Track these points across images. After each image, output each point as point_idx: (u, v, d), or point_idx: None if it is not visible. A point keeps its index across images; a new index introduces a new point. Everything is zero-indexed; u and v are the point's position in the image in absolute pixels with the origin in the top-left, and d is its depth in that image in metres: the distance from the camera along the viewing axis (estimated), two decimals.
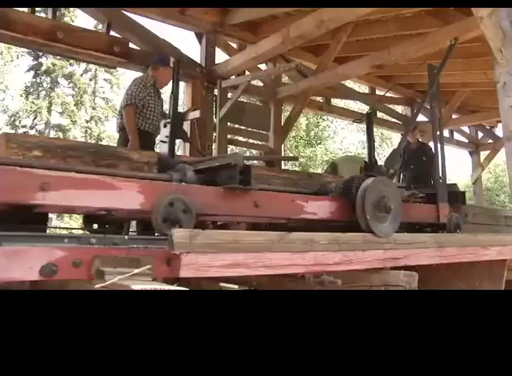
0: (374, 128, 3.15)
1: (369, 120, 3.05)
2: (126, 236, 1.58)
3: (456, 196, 3.21)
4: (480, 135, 10.62)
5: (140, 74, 5.38)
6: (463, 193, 3.36)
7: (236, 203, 1.99)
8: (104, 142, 24.06)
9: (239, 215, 2.10)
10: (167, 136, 2.37)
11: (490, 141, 10.40)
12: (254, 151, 7.51)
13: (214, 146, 5.82)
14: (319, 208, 2.32)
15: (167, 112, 2.64)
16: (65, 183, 1.60)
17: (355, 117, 9.20)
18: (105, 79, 25.08)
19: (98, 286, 1.28)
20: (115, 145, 4.16)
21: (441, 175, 3.02)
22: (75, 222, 21.25)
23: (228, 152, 6.60)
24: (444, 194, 2.95)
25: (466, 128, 10.43)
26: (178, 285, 1.61)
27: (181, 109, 4.95)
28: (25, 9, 4.89)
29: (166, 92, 4.54)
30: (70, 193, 1.61)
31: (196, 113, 4.45)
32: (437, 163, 3.04)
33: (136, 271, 1.35)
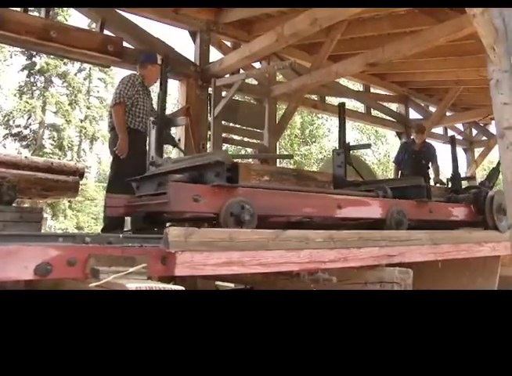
0: (368, 126, 3.70)
1: (341, 111, 3.72)
2: (121, 235, 1.58)
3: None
4: (474, 132, 10.66)
5: (129, 72, 5.38)
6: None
7: (421, 210, 3.07)
8: (99, 142, 24.05)
9: (421, 218, 3.08)
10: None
11: (484, 138, 10.44)
12: (249, 149, 7.50)
13: (208, 145, 5.81)
14: (460, 213, 3.41)
15: (157, 117, 2.68)
16: (348, 202, 2.67)
17: (350, 115, 9.26)
18: (99, 78, 24.99)
19: (93, 285, 1.28)
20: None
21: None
22: (70, 222, 21.19)
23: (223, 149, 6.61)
24: None
25: (460, 126, 10.46)
26: (173, 283, 1.61)
27: (175, 107, 4.96)
28: (18, 8, 4.87)
29: (155, 89, 4.54)
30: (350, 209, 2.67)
31: (183, 121, 4.43)
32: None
33: (131, 270, 1.35)
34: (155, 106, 4.27)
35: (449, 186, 4.19)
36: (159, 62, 4.50)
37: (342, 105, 3.87)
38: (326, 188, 3.56)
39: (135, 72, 4.51)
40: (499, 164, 3.91)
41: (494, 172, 4.26)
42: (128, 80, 4.27)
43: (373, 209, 2.82)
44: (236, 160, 2.59)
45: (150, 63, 4.50)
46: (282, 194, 2.47)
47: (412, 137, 7.52)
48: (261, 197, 2.32)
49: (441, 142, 9.28)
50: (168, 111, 4.89)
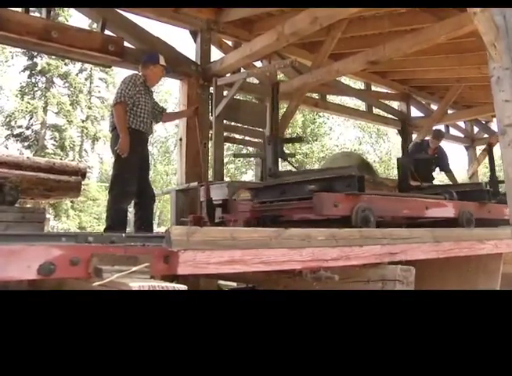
0: (370, 124, 3.96)
1: (275, 92, 3.85)
2: (123, 234, 1.58)
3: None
4: (475, 129, 10.65)
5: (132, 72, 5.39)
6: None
7: (481, 211, 3.50)
8: (100, 142, 24.06)
9: (482, 217, 3.43)
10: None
11: (486, 135, 10.42)
12: (251, 148, 7.50)
13: (210, 144, 5.81)
14: (506, 213, 3.42)
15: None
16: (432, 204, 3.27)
17: (351, 113, 9.25)
18: (100, 78, 25.02)
19: (96, 284, 1.28)
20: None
21: None
22: (73, 222, 21.22)
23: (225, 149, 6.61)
24: None
25: (461, 123, 10.45)
26: (176, 282, 1.62)
27: (176, 107, 4.96)
28: (19, 9, 4.87)
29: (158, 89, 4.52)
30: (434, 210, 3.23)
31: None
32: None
33: (134, 269, 1.35)
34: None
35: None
36: (161, 62, 4.50)
37: (276, 85, 3.97)
38: (395, 192, 4.15)
39: (136, 72, 4.50)
40: None
41: None
42: (129, 80, 4.26)
43: (449, 210, 3.44)
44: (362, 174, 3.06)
45: (152, 64, 4.49)
46: (390, 199, 3.19)
47: (426, 139, 7.42)
48: (377, 202, 2.96)
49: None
50: (169, 111, 4.90)
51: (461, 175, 12.33)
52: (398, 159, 4.31)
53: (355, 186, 2.83)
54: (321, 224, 2.78)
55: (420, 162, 6.89)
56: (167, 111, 5.09)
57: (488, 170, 4.12)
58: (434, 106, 9.59)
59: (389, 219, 3.23)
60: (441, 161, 6.90)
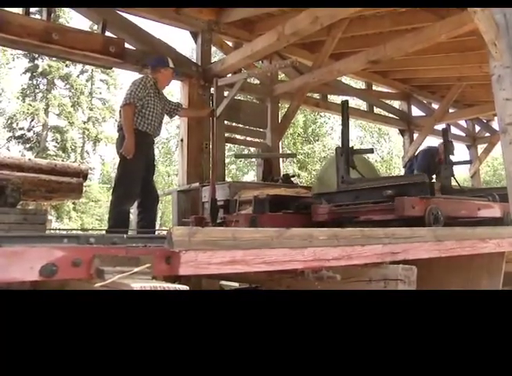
0: (371, 124, 4.12)
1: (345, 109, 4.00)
2: (125, 235, 1.59)
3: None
4: (477, 128, 10.64)
5: (136, 74, 5.39)
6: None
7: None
8: (102, 143, 24.10)
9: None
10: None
11: (487, 134, 10.41)
12: (252, 149, 7.50)
13: (211, 145, 5.81)
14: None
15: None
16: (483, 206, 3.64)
17: (353, 113, 9.24)
18: (101, 80, 25.06)
19: (98, 285, 1.29)
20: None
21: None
22: (75, 224, 21.25)
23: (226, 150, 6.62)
24: None
25: (463, 122, 10.44)
26: (178, 283, 1.62)
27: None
28: (19, 11, 4.88)
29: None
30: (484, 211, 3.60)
31: None
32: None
33: (136, 270, 1.35)
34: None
35: None
36: (170, 65, 4.52)
37: (345, 102, 4.09)
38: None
39: (147, 75, 4.50)
40: None
41: None
42: (139, 82, 4.26)
43: (495, 210, 3.87)
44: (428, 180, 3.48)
45: (163, 67, 4.52)
46: (453, 201, 3.65)
47: (435, 147, 7.32)
48: (444, 204, 3.39)
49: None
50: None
51: (463, 174, 12.33)
52: (442, 167, 4.90)
53: (426, 191, 3.33)
54: (389, 224, 3.19)
55: (432, 169, 6.80)
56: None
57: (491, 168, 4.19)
58: (435, 105, 9.59)
59: (449, 219, 3.53)
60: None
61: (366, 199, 3.59)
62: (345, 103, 4.05)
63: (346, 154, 3.92)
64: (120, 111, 4.30)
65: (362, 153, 4.70)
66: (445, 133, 5.02)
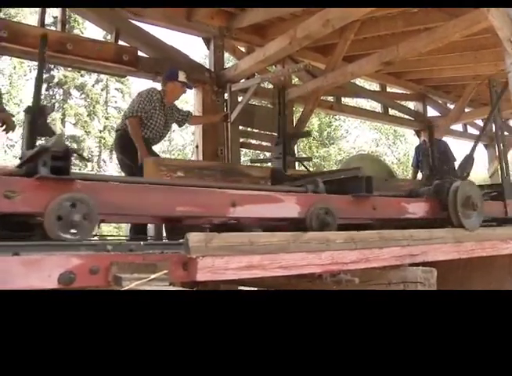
0: (386, 126, 3.90)
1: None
2: (142, 242, 1.59)
3: None
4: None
5: (150, 82, 5.43)
6: None
7: (359, 207, 2.46)
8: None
9: (362, 217, 2.55)
10: (280, 153, 3.46)
11: (506, 133, 10.25)
12: (268, 153, 7.50)
13: (226, 151, 5.82)
14: (418, 209, 2.77)
15: (31, 105, 2.67)
16: (247, 200, 2.07)
17: (367, 115, 9.19)
18: (116, 88, 25.28)
19: None
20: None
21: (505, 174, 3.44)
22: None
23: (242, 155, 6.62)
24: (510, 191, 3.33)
25: (479, 122, 10.30)
26: (196, 289, 1.62)
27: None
28: (35, 23, 4.96)
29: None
30: (250, 208, 2.08)
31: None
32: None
33: (153, 276, 1.35)
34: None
35: None
36: (181, 78, 4.52)
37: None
38: None
39: (154, 87, 4.54)
40: (472, 150, 3.67)
41: (467, 160, 3.67)
42: (146, 94, 4.33)
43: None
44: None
45: (170, 80, 4.54)
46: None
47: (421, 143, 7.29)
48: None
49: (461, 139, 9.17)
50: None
51: (482, 174, 12.16)
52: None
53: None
54: None
55: (422, 159, 6.77)
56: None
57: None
58: (450, 105, 9.49)
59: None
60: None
61: None
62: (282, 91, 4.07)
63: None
64: (123, 118, 4.44)
65: (300, 137, 4.55)
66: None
